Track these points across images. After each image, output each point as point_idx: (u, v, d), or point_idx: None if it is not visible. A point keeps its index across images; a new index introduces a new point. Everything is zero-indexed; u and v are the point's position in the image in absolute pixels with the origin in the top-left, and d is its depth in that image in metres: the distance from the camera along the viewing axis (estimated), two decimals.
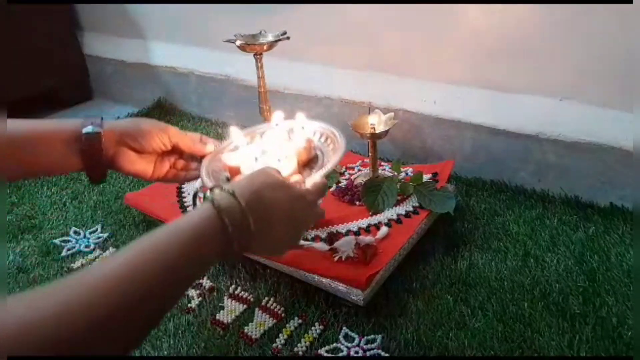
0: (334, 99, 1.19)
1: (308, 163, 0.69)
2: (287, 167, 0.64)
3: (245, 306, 0.77)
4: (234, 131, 0.73)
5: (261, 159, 0.67)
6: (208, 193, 0.52)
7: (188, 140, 0.69)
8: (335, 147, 0.70)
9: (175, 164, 0.70)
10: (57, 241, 0.94)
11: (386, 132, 0.91)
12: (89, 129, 0.60)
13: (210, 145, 0.71)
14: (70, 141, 0.60)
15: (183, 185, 1.00)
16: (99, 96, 1.69)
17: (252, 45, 0.96)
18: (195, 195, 0.75)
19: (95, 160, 0.61)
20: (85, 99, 1.67)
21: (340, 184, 0.95)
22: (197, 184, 0.70)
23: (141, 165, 0.66)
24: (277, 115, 0.75)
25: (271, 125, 0.75)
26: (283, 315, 0.75)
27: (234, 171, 0.67)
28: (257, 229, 0.51)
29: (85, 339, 0.37)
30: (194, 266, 0.47)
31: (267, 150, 0.69)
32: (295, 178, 0.63)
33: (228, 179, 0.67)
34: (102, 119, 0.62)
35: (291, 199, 0.56)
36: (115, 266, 0.42)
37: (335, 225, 0.85)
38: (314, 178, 0.63)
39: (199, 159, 0.70)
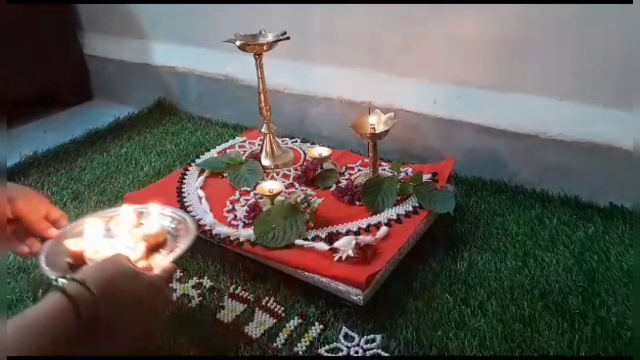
0: (334, 99, 1.19)
1: (157, 247, 0.69)
2: (135, 252, 0.65)
3: (245, 306, 0.77)
4: (79, 224, 0.72)
5: (107, 244, 0.67)
6: (54, 282, 0.51)
7: (33, 217, 0.68)
8: (186, 232, 0.71)
9: (16, 232, 0.69)
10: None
11: (386, 132, 0.91)
12: None
13: (53, 230, 0.70)
14: None
15: (183, 185, 1.00)
16: (99, 96, 1.70)
17: (252, 45, 0.97)
18: (36, 287, 0.73)
19: None
20: (85, 99, 1.67)
21: (340, 184, 0.95)
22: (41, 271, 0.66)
23: None
24: (126, 207, 0.75)
25: (121, 210, 0.74)
26: (283, 314, 0.75)
27: (77, 257, 0.66)
28: (109, 318, 0.51)
29: None
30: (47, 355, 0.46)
31: (115, 235, 0.69)
32: (142, 264, 0.63)
33: (70, 265, 0.66)
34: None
35: (141, 287, 0.57)
36: None
37: (335, 225, 0.85)
38: (163, 264, 0.64)
39: (41, 239, 0.69)
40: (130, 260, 0.60)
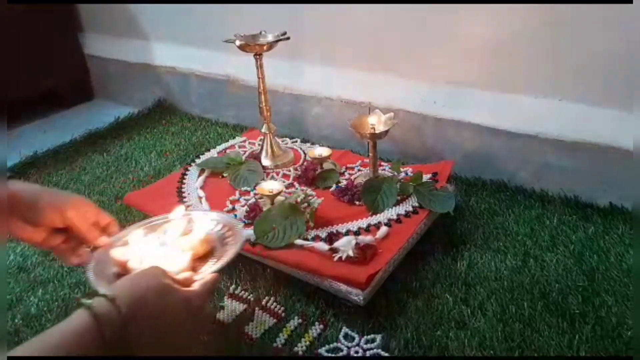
0: (334, 99, 1.19)
1: (205, 256, 0.67)
2: (179, 262, 0.62)
3: (245, 306, 0.77)
4: (132, 231, 0.71)
5: (152, 253, 0.65)
6: (83, 300, 0.50)
7: (83, 226, 0.67)
8: (234, 239, 0.69)
9: (68, 241, 0.68)
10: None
11: (386, 132, 0.91)
12: None
13: (104, 238, 0.69)
14: None
15: (183, 185, 1.00)
16: (100, 96, 1.70)
17: (252, 45, 0.97)
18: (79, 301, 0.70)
19: None
20: (86, 99, 1.68)
21: (340, 184, 0.95)
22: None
23: (31, 233, 0.65)
24: (178, 210, 0.74)
25: (171, 217, 0.73)
26: (283, 314, 0.75)
27: (124, 266, 0.65)
28: (136, 338, 0.50)
29: None
30: None
31: (163, 243, 0.67)
32: (185, 275, 0.60)
33: (117, 274, 0.64)
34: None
35: (175, 304, 0.54)
36: None
37: (335, 225, 0.85)
38: (204, 276, 0.61)
39: (92, 247, 0.68)
40: (168, 272, 0.58)
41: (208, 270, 0.63)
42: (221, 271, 0.64)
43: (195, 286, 0.59)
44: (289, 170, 1.03)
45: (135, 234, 0.70)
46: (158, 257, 0.63)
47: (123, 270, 0.64)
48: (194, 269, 0.64)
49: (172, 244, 0.67)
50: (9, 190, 0.62)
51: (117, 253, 0.66)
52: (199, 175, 1.03)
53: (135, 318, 0.50)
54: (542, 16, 0.92)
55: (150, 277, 0.55)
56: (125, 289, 0.53)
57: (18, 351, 0.45)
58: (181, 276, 0.60)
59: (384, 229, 0.82)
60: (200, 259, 0.66)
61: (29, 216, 0.63)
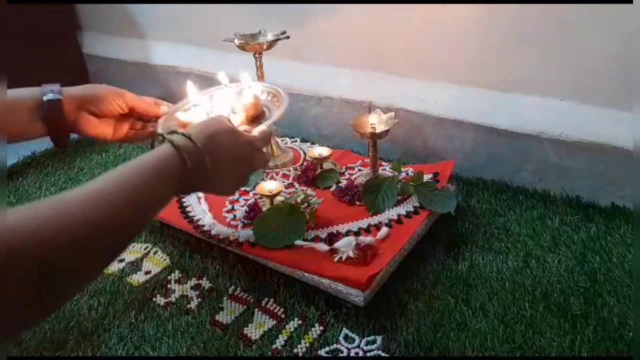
0: (334, 98, 1.19)
1: (256, 118, 0.77)
2: (236, 120, 0.72)
3: (244, 307, 0.76)
4: (189, 88, 0.80)
5: (212, 114, 0.74)
6: (166, 135, 0.57)
7: (144, 103, 0.75)
8: (280, 102, 0.79)
9: (133, 126, 0.76)
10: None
11: (386, 131, 0.90)
12: (49, 96, 0.66)
13: (164, 107, 0.77)
14: (32, 109, 0.66)
15: None
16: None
17: (251, 45, 0.96)
18: (153, 139, 0.78)
19: (58, 126, 0.67)
20: None
21: (340, 184, 0.95)
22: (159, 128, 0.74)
23: (102, 128, 0.72)
24: (223, 76, 0.83)
25: (221, 86, 0.83)
26: (283, 316, 0.74)
27: (187, 127, 0.72)
28: (211, 168, 0.57)
29: (67, 249, 0.42)
30: (155, 198, 0.52)
31: (218, 107, 0.77)
32: (243, 128, 0.69)
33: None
34: (60, 85, 0.67)
35: (241, 144, 0.63)
36: (88, 193, 0.46)
37: (335, 226, 0.84)
38: (261, 128, 0.70)
39: (155, 120, 0.75)
40: (231, 121, 0.66)
41: (261, 126, 0.71)
42: (273, 124, 0.74)
43: (255, 133, 0.68)
44: (289, 170, 1.03)
45: (193, 100, 0.80)
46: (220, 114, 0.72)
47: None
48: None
49: (226, 107, 0.77)
50: (63, 96, 0.68)
51: (182, 116, 0.76)
52: None
53: (209, 152, 0.57)
54: (543, 16, 0.91)
55: (217, 121, 0.63)
56: (199, 129, 0.60)
57: (115, 172, 0.49)
58: (241, 128, 0.68)
59: (384, 230, 0.82)
60: (252, 121, 0.76)
61: (94, 109, 0.70)
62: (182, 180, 0.55)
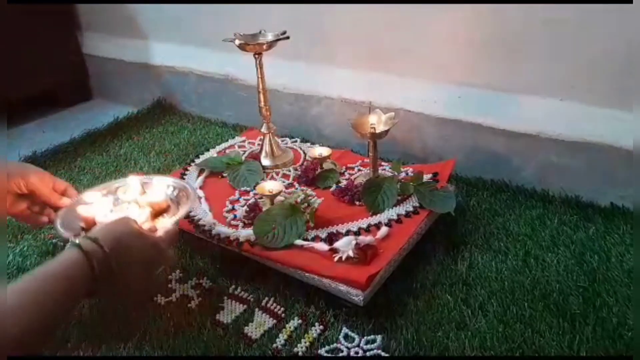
0: (334, 98, 1.19)
1: (161, 212, 0.78)
2: (140, 216, 0.73)
3: (245, 306, 0.77)
4: (88, 194, 0.80)
5: (116, 209, 0.76)
6: (72, 240, 0.59)
7: (45, 190, 0.77)
8: (186, 199, 0.79)
9: (31, 207, 0.78)
10: (57, 241, 0.93)
11: (386, 131, 0.90)
12: None
13: (65, 199, 0.78)
14: None
15: None
16: (99, 96, 1.69)
17: (251, 45, 0.96)
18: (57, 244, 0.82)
19: None
20: (84, 99, 1.67)
21: (340, 184, 0.95)
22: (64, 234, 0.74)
23: None
24: (131, 176, 0.82)
25: (127, 180, 0.81)
26: (283, 315, 0.75)
27: (89, 221, 0.73)
28: (118, 272, 0.59)
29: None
30: (61, 305, 0.55)
31: (122, 202, 0.77)
32: (147, 225, 0.70)
33: (83, 229, 0.72)
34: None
35: (147, 246, 0.64)
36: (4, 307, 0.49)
37: (335, 225, 0.84)
38: (166, 225, 0.71)
39: (54, 208, 0.78)
40: (137, 222, 0.67)
41: (167, 223, 0.73)
42: (178, 224, 0.75)
43: (160, 233, 0.69)
44: (289, 170, 1.03)
45: (95, 195, 0.79)
46: (122, 212, 0.74)
47: (89, 225, 0.72)
48: (151, 222, 0.73)
49: (130, 202, 0.76)
50: (16, 169, 0.71)
51: (83, 210, 0.75)
52: (199, 175, 1.03)
53: (116, 256, 0.59)
54: (543, 16, 0.91)
55: (123, 224, 0.65)
56: (105, 231, 0.62)
57: (17, 286, 0.52)
58: (145, 226, 0.70)
59: (384, 229, 0.82)
60: (156, 215, 0.77)
61: None
62: (88, 285, 0.57)
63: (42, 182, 0.76)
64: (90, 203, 0.77)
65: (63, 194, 0.79)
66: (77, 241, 0.58)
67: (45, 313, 0.52)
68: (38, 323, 0.51)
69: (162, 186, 0.82)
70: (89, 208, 0.76)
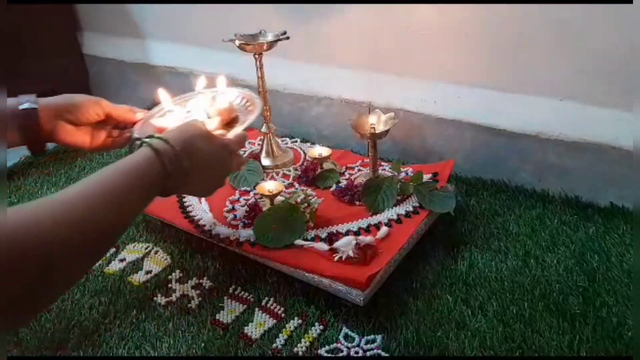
0: (334, 98, 1.19)
1: (230, 123, 0.79)
2: (211, 125, 0.74)
3: (245, 306, 0.77)
4: (163, 96, 0.82)
5: (187, 119, 0.76)
6: (144, 139, 0.60)
7: (120, 110, 0.77)
8: (254, 107, 0.81)
9: (110, 133, 0.77)
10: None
11: (386, 132, 0.90)
12: (25, 105, 0.66)
13: (140, 114, 0.79)
14: (8, 118, 0.65)
15: None
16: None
17: (251, 45, 0.96)
18: (132, 144, 0.79)
19: (34, 134, 0.67)
20: None
21: (340, 184, 0.95)
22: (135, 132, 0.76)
23: (79, 136, 0.72)
24: (200, 82, 0.86)
25: (195, 92, 0.85)
26: (283, 315, 0.75)
27: (162, 132, 0.73)
28: (189, 171, 0.60)
29: (61, 250, 0.45)
30: (136, 200, 0.55)
31: (193, 112, 0.79)
32: (219, 132, 0.72)
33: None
34: (36, 95, 0.68)
35: (217, 147, 0.66)
36: (72, 197, 0.49)
37: (335, 225, 0.84)
38: (236, 131, 0.73)
39: (131, 126, 0.77)
40: (206, 126, 0.68)
41: (236, 130, 0.74)
42: (246, 130, 0.75)
43: (230, 136, 0.71)
44: (289, 170, 1.03)
45: (168, 103, 0.82)
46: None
47: None
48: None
49: (201, 113, 0.78)
50: (40, 105, 0.68)
51: (157, 122, 0.77)
52: None
53: (187, 155, 0.59)
54: (543, 16, 0.91)
55: (194, 126, 0.65)
56: (175, 133, 0.62)
57: (95, 174, 0.52)
58: (216, 132, 0.71)
59: (384, 229, 0.82)
60: (226, 125, 0.78)
61: (71, 117, 0.71)
62: (161, 182, 0.57)
63: (112, 104, 0.76)
64: (163, 115, 0.80)
65: (132, 112, 0.79)
66: (149, 141, 0.58)
67: (119, 207, 0.52)
68: (112, 216, 0.51)
69: (231, 97, 0.84)
70: (163, 120, 0.78)
